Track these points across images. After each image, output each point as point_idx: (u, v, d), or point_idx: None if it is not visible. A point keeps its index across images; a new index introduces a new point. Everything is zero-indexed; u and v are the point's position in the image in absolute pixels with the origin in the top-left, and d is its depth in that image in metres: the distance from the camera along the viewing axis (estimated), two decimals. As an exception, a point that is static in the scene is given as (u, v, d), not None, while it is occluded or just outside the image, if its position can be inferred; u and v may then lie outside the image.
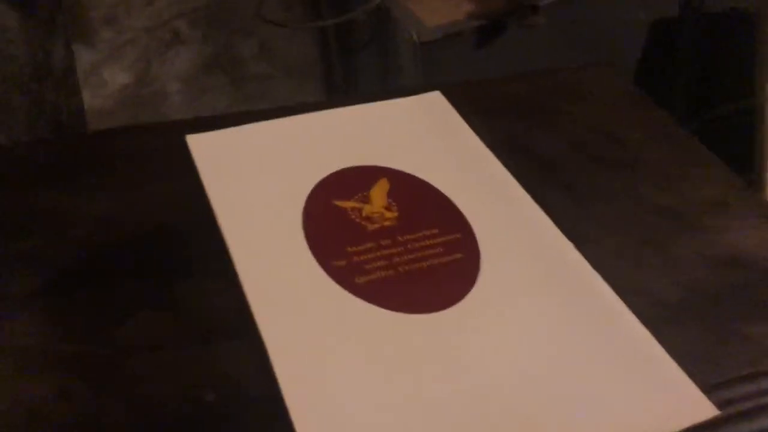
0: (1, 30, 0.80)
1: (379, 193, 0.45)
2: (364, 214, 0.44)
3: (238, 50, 1.47)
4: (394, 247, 0.42)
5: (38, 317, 0.38)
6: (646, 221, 0.46)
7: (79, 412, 0.34)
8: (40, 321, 0.37)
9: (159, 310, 0.38)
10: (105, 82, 1.26)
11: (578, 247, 0.43)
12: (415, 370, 0.36)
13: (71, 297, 0.39)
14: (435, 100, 0.53)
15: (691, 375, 0.37)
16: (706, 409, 0.35)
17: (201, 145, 0.47)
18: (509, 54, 1.04)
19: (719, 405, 0.36)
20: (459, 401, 0.35)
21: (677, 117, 0.55)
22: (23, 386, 0.35)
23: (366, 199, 0.45)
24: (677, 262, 0.44)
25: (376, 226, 0.43)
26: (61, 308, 0.38)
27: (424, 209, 0.44)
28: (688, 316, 0.41)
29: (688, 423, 0.35)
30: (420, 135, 0.50)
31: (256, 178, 0.45)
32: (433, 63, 1.05)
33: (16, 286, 0.39)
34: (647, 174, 0.50)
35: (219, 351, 0.37)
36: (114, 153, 0.47)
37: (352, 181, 0.46)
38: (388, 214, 0.44)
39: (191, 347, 0.37)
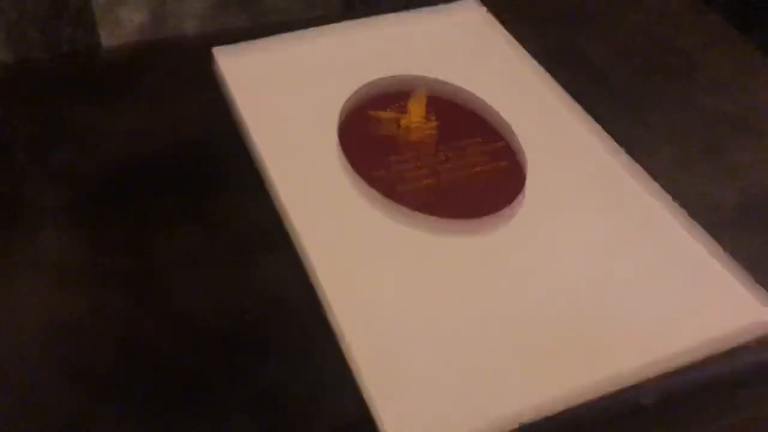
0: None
1: (417, 102, 0.43)
2: (402, 124, 0.41)
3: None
4: (435, 157, 0.39)
5: (73, 231, 0.36)
6: (702, 128, 0.44)
7: (115, 326, 0.33)
8: (74, 235, 0.36)
9: (195, 224, 0.37)
10: (121, 22, 1.24)
11: (634, 154, 0.40)
12: (465, 279, 0.34)
13: (105, 211, 0.37)
14: (472, 7, 0.50)
15: (755, 278, 0.34)
16: None
17: (228, 58, 0.45)
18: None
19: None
20: (510, 313, 0.33)
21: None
22: (59, 300, 0.33)
23: (404, 110, 0.42)
24: (736, 168, 0.41)
25: (416, 136, 0.41)
26: (95, 222, 0.37)
27: (466, 118, 0.42)
28: (750, 220, 0.38)
29: (755, 331, 0.33)
30: (458, 43, 0.47)
31: (287, 90, 0.43)
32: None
33: (48, 200, 0.37)
34: (703, 80, 0.47)
35: (257, 264, 0.35)
36: (140, 67, 0.45)
37: (387, 91, 0.43)
38: (428, 124, 0.41)
39: (229, 260, 0.35)
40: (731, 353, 0.32)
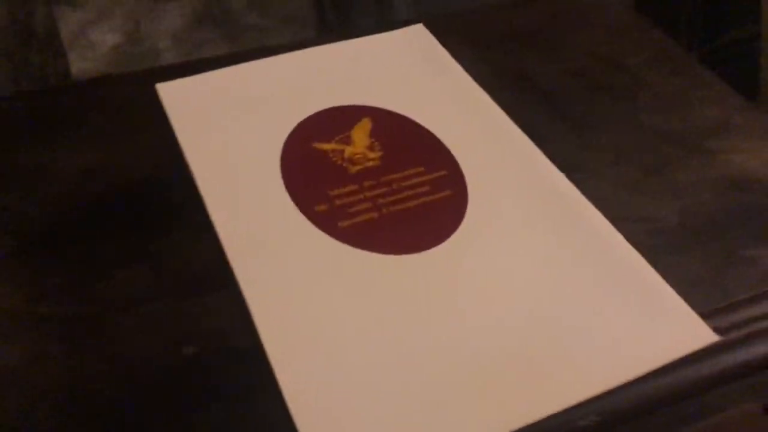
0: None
1: (361, 133, 0.43)
2: (345, 155, 0.42)
3: (228, 2, 1.42)
4: (378, 188, 0.40)
5: (12, 278, 0.36)
6: (647, 147, 0.44)
7: (53, 375, 0.33)
8: (13, 282, 0.36)
9: (137, 266, 0.37)
10: (93, 44, 1.23)
11: (578, 176, 0.41)
12: (406, 313, 0.34)
13: (46, 256, 0.37)
14: (418, 33, 0.50)
15: (694, 301, 0.35)
16: (705, 336, 0.34)
17: (171, 93, 0.45)
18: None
19: (722, 330, 0.34)
20: (453, 341, 0.33)
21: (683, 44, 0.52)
22: (-4, 352, 0.33)
23: (347, 140, 0.43)
24: (679, 188, 0.42)
25: (359, 167, 0.41)
26: (34, 268, 0.37)
27: (409, 147, 0.42)
28: (690, 241, 0.39)
29: (687, 350, 0.33)
30: (402, 71, 0.47)
31: (231, 124, 0.43)
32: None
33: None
34: (648, 99, 0.47)
35: (200, 304, 0.35)
36: (86, 105, 0.45)
37: (332, 122, 0.44)
38: (372, 155, 0.42)
39: (172, 301, 0.35)
40: (669, 370, 0.33)
